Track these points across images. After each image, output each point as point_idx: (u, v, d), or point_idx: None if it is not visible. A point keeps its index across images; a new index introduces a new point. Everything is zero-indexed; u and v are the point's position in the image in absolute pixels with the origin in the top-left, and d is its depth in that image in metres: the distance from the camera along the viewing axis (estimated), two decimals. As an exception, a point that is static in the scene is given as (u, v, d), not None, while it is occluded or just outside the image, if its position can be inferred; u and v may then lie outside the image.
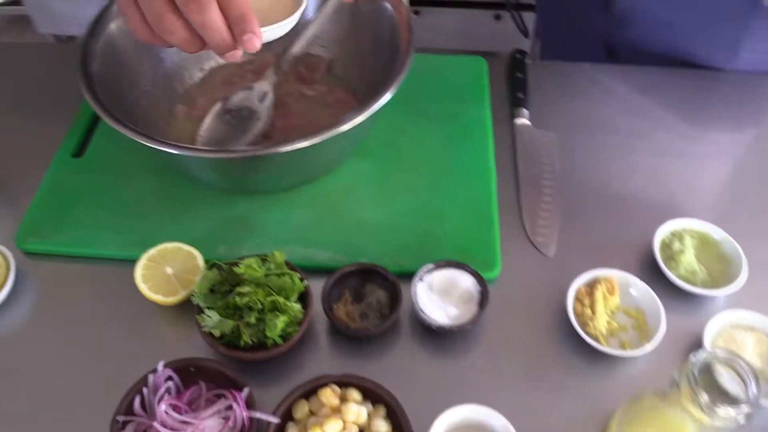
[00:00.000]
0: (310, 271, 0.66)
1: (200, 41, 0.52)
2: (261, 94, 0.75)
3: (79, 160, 0.77)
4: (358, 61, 0.80)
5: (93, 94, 0.65)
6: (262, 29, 0.53)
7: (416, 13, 2.00)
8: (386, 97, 0.63)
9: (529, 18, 1.23)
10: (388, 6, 0.74)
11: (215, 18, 0.50)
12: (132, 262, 0.67)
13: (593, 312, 0.63)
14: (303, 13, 0.59)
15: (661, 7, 0.87)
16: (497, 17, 1.97)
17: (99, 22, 0.72)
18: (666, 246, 0.69)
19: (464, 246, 0.68)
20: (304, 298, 0.62)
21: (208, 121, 0.75)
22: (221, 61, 0.83)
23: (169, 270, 0.64)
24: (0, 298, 0.64)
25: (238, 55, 0.53)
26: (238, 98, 0.75)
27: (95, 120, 0.81)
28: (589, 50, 1.04)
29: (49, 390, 0.61)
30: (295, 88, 0.81)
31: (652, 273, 0.67)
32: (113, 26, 0.72)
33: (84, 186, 0.74)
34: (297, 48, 0.75)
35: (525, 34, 1.21)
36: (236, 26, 0.51)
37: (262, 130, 0.75)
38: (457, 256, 0.67)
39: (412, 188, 0.74)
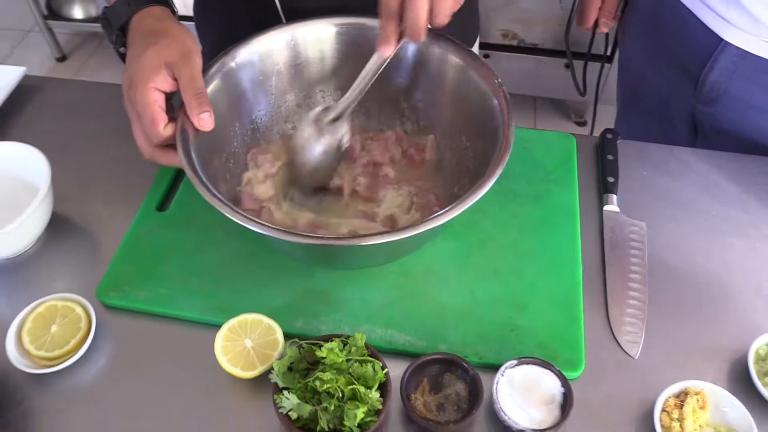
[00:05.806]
0: (387, 353, 0.65)
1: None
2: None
3: (163, 215, 0.77)
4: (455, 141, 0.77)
5: (191, 164, 0.65)
6: None
7: (486, 56, 1.99)
8: (485, 190, 0.61)
9: (593, 68, 1.19)
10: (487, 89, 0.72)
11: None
12: (210, 326, 0.67)
13: (682, 428, 0.60)
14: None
15: (755, 93, 0.84)
16: (567, 66, 1.94)
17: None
18: (761, 359, 0.65)
19: (548, 341, 0.66)
20: (383, 386, 0.61)
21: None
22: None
23: (248, 343, 0.64)
24: (80, 352, 0.65)
25: None
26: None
27: (179, 173, 0.82)
28: (675, 123, 1.00)
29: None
30: (392, 155, 0.80)
31: (744, 386, 0.64)
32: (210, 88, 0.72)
33: (168, 243, 0.75)
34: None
35: (581, 93, 1.18)
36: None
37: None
38: (539, 352, 0.65)
39: (495, 273, 0.72)
